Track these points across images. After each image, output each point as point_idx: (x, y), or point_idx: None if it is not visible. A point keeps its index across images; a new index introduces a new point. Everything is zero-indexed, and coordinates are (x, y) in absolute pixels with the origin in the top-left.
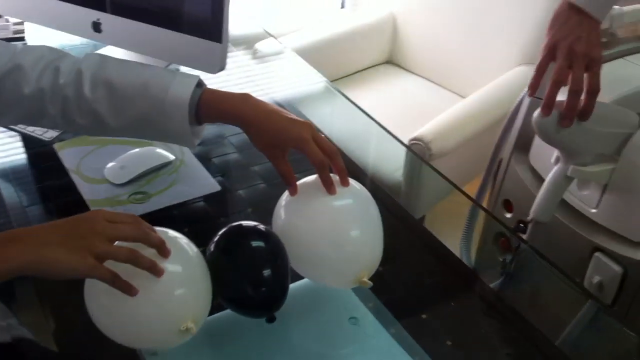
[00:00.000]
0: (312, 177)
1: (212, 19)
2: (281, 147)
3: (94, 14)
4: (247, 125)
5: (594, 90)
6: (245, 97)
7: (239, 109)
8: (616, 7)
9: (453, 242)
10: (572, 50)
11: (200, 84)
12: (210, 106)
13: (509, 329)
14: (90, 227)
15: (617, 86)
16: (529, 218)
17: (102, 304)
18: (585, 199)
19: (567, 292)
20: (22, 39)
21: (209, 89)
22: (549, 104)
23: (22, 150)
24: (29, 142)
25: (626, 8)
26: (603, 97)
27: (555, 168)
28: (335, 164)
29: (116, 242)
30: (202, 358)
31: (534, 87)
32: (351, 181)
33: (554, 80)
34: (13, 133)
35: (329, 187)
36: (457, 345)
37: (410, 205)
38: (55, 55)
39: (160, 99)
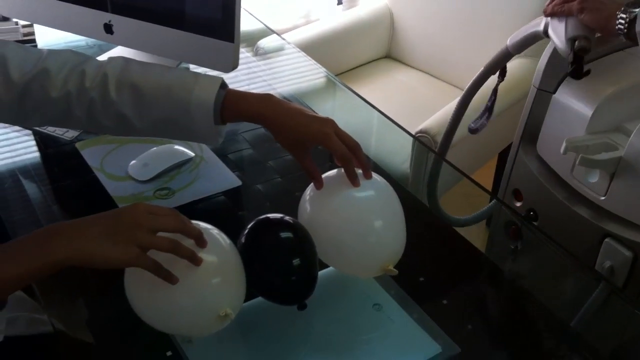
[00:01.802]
0: (335, 171)
1: (223, 19)
2: (304, 143)
3: (105, 16)
4: (270, 124)
5: None
6: (268, 97)
7: (261, 109)
8: None
9: (464, 229)
10: None
11: (223, 85)
12: (234, 107)
13: (526, 312)
14: (132, 219)
15: (618, 78)
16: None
17: (143, 292)
18: (594, 187)
19: (580, 276)
20: (32, 41)
21: (232, 89)
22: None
23: (40, 149)
24: (50, 142)
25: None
26: (605, 88)
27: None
28: (358, 157)
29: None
30: (234, 344)
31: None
32: (373, 174)
33: None
34: (29, 132)
35: (353, 180)
36: (478, 329)
37: (419, 196)
38: (80, 59)
39: (186, 101)
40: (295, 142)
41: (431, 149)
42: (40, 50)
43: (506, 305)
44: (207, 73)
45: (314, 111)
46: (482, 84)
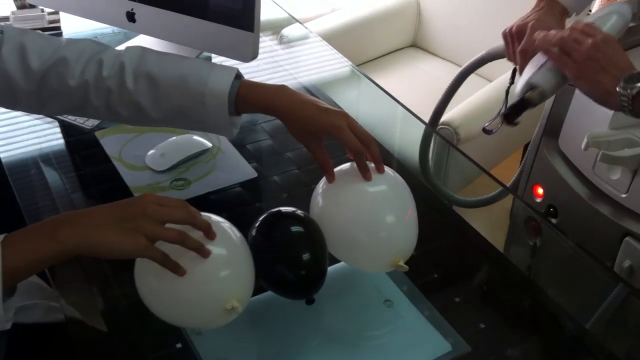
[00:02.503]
0: (348, 165)
1: (244, 9)
2: (317, 135)
3: (127, 4)
4: (284, 115)
5: None
6: (281, 89)
7: (275, 100)
8: None
9: (482, 225)
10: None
11: (238, 75)
12: (248, 98)
13: (541, 312)
14: (141, 210)
15: None
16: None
17: (151, 284)
18: (616, 184)
19: (597, 276)
20: (57, 28)
21: (247, 80)
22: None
23: (63, 137)
24: (71, 130)
25: None
26: None
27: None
28: (371, 151)
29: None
30: (244, 337)
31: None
32: (386, 168)
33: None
34: (50, 120)
35: (364, 174)
36: (490, 328)
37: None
38: (98, 48)
39: (200, 92)
40: (308, 134)
41: (451, 144)
42: (59, 39)
43: (520, 304)
44: (227, 62)
45: (337, 105)
46: (481, 66)
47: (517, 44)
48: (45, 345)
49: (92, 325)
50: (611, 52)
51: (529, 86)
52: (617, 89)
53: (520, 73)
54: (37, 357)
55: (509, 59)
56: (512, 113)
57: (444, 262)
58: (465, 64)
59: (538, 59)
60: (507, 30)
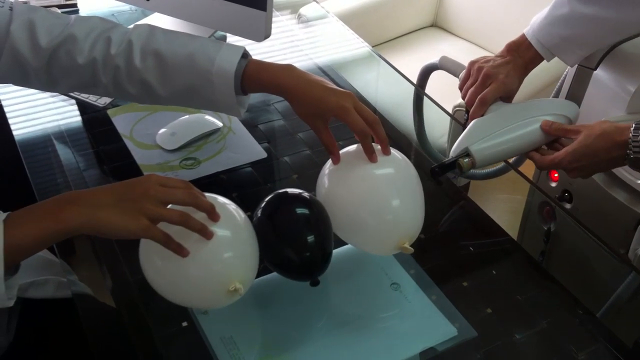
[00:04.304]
0: (354, 147)
1: None
2: (322, 116)
3: None
4: (290, 95)
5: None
6: (288, 68)
7: (281, 80)
8: None
9: (495, 210)
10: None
11: (245, 54)
12: (254, 77)
13: (550, 298)
14: (143, 191)
15: None
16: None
17: (155, 264)
18: (632, 170)
19: (610, 263)
20: (74, 5)
21: (254, 60)
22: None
23: (78, 115)
24: (84, 108)
25: None
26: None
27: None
28: (377, 133)
29: (168, 206)
30: (249, 318)
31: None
32: (392, 150)
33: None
34: (65, 97)
35: (370, 156)
36: (497, 313)
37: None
38: (106, 25)
39: (207, 70)
40: (314, 115)
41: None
42: (68, 17)
43: (530, 290)
44: (241, 42)
45: (353, 87)
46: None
47: (475, 84)
48: (54, 321)
49: (102, 301)
50: (591, 158)
51: (466, 152)
52: (629, 138)
53: (471, 119)
54: (47, 332)
55: (460, 90)
56: (439, 171)
57: (453, 247)
58: (423, 65)
59: (490, 123)
60: (475, 64)
